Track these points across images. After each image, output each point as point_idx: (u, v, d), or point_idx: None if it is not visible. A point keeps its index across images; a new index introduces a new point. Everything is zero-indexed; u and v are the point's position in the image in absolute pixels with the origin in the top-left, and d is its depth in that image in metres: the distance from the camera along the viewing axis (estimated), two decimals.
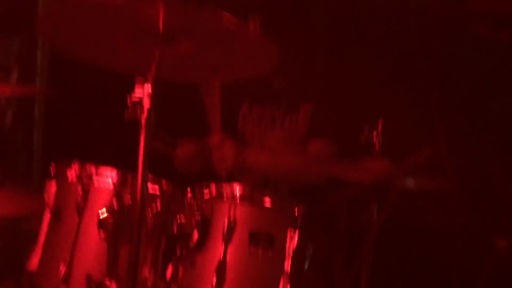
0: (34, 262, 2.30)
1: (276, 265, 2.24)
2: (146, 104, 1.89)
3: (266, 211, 2.31)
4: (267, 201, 2.29)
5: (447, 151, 2.74)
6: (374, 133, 2.58)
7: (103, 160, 2.36)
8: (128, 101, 1.89)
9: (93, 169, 2.33)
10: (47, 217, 2.34)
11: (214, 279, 2.19)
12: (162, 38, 1.95)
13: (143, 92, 1.89)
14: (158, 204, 2.30)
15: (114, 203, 2.25)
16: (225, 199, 2.28)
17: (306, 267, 2.36)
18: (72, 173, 2.35)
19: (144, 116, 1.88)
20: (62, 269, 2.22)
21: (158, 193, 2.32)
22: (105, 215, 2.23)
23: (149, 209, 2.27)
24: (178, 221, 2.29)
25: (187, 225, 2.28)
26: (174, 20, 1.91)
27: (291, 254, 2.25)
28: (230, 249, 2.22)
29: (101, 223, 2.23)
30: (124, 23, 1.95)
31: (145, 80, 1.91)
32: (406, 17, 3.27)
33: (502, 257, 2.79)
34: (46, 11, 1.96)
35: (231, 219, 2.23)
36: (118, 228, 2.23)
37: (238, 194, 2.27)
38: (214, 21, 1.88)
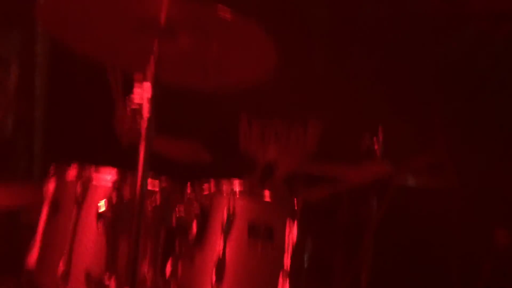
0: (32, 258, 2.29)
1: (276, 260, 2.25)
2: (146, 106, 1.89)
3: (266, 203, 2.32)
4: (267, 195, 2.30)
5: (447, 149, 2.74)
6: (375, 137, 2.59)
7: (103, 162, 2.37)
8: (128, 109, 1.90)
9: (92, 170, 2.33)
10: (45, 211, 2.34)
11: (214, 274, 2.19)
12: (162, 31, 1.97)
13: (142, 94, 1.90)
14: (158, 197, 2.30)
15: (113, 197, 2.25)
16: (224, 193, 2.29)
17: (305, 260, 2.36)
18: (71, 173, 2.35)
19: (144, 119, 1.89)
20: (61, 265, 2.22)
21: (157, 187, 2.32)
22: (104, 208, 2.23)
23: (148, 202, 2.26)
24: (177, 214, 2.29)
25: (186, 217, 2.28)
26: (175, 14, 1.92)
27: (290, 248, 2.26)
28: (230, 242, 2.22)
29: (100, 217, 2.23)
30: (124, 14, 1.96)
31: (144, 79, 1.92)
32: (406, 17, 3.27)
33: (502, 252, 2.80)
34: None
35: (230, 211, 2.24)
36: (117, 222, 2.22)
37: (237, 189, 2.28)
38: (214, 15, 1.89)
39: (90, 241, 2.25)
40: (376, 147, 2.63)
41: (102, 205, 2.24)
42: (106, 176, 2.31)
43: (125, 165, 2.29)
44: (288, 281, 2.23)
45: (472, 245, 2.93)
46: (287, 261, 2.25)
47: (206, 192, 2.34)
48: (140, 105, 1.91)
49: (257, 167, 2.96)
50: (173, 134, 3.16)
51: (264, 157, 2.96)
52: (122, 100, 2.91)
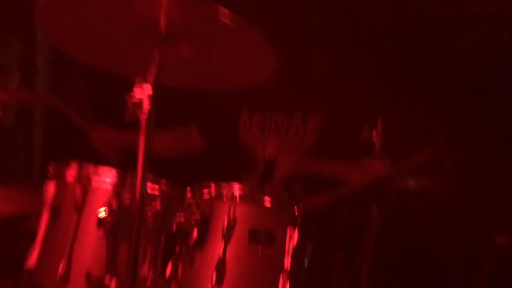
0: (32, 260, 2.30)
1: (276, 263, 2.25)
2: (146, 104, 1.90)
3: (266, 209, 2.31)
4: (267, 201, 2.30)
5: (447, 150, 2.74)
6: (374, 133, 2.58)
7: (102, 161, 2.37)
8: (128, 101, 1.90)
9: (92, 169, 2.33)
10: (45, 215, 2.34)
11: (214, 277, 2.19)
12: (162, 38, 1.97)
13: (142, 93, 1.90)
14: (158, 203, 2.30)
15: (113, 202, 2.25)
16: (224, 199, 2.28)
17: (305, 265, 2.36)
18: (71, 173, 2.35)
19: (143, 116, 1.89)
20: (61, 267, 2.22)
21: (157, 193, 2.32)
22: (104, 214, 2.24)
23: (148, 208, 2.26)
24: (178, 220, 2.29)
25: (187, 223, 2.28)
26: (175, 20, 1.92)
27: (290, 252, 2.26)
28: (230, 247, 2.22)
29: (100, 222, 2.23)
30: (124, 22, 1.96)
31: (145, 81, 1.92)
32: (406, 18, 3.28)
33: (502, 255, 2.80)
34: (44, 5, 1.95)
35: (231, 217, 2.23)
36: (117, 226, 2.22)
37: (237, 194, 2.28)
38: (214, 20, 1.89)
39: (90, 246, 2.25)
40: (375, 144, 2.63)
41: (102, 211, 2.25)
42: (106, 178, 2.31)
43: (125, 166, 2.30)
44: (288, 283, 2.23)
45: (472, 246, 2.93)
46: (287, 266, 2.25)
47: (206, 197, 2.34)
48: (140, 100, 1.91)
49: (257, 163, 2.96)
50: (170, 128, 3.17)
51: (264, 151, 2.96)
52: (91, 126, 2.96)
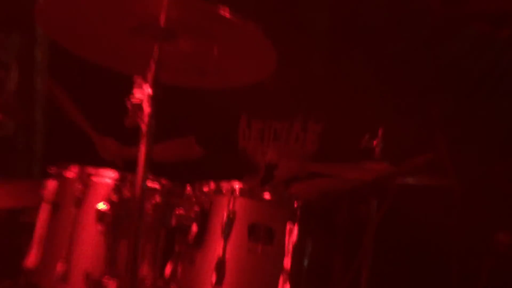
0: (31, 259, 2.29)
1: (276, 261, 2.23)
2: (147, 106, 1.89)
3: (265, 204, 2.30)
4: (267, 194, 2.29)
5: (447, 148, 2.74)
6: (375, 138, 2.58)
7: (103, 164, 2.38)
8: (128, 104, 1.89)
9: (92, 171, 2.34)
10: (45, 211, 2.34)
11: (214, 276, 2.19)
12: (162, 34, 1.96)
13: (142, 94, 1.89)
14: (158, 196, 2.30)
15: (113, 196, 2.25)
16: (224, 192, 2.28)
17: (305, 263, 2.36)
18: (72, 172, 2.35)
19: (144, 119, 1.88)
20: (60, 266, 2.22)
21: (158, 186, 2.32)
22: (104, 207, 2.23)
23: (148, 201, 2.26)
24: (177, 213, 2.27)
25: (186, 216, 2.27)
26: (175, 16, 1.91)
27: (290, 250, 2.24)
28: (230, 244, 2.21)
29: (100, 216, 2.22)
30: (124, 17, 1.95)
31: (144, 80, 1.91)
32: (406, 18, 3.27)
33: (503, 253, 2.80)
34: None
35: (230, 212, 2.22)
36: (117, 222, 2.22)
37: (237, 188, 2.26)
38: (214, 17, 1.88)
39: (89, 241, 2.25)
40: (375, 146, 2.62)
41: (102, 205, 2.23)
42: (107, 176, 2.31)
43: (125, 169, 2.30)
44: (288, 282, 2.22)
45: (473, 244, 2.93)
46: (287, 263, 2.24)
47: (206, 190, 2.32)
48: (141, 102, 1.90)
49: (258, 169, 2.96)
50: (170, 135, 3.18)
51: (263, 158, 2.96)
52: (95, 134, 2.99)
